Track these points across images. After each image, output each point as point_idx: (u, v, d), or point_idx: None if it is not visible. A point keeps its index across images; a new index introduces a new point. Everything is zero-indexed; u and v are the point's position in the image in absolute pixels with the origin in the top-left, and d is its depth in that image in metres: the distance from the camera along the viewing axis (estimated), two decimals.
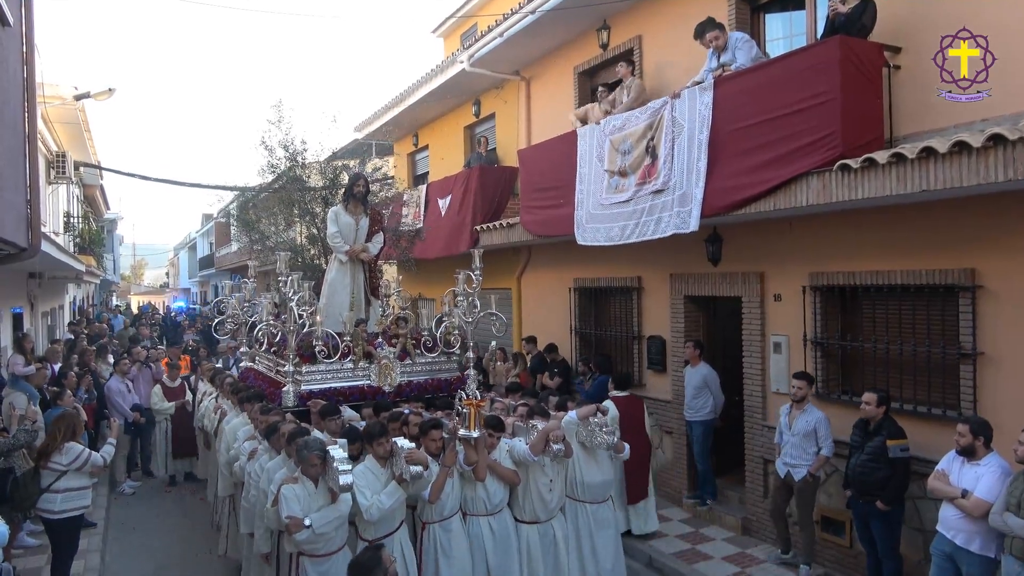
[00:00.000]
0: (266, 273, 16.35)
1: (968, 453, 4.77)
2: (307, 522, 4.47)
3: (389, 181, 13.03)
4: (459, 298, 6.91)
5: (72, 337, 14.20)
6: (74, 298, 21.99)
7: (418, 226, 11.93)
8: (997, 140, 4.42)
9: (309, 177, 11.36)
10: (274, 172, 11.25)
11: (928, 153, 4.82)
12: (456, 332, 7.22)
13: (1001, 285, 5.28)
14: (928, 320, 5.91)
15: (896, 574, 5.63)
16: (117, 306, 33.08)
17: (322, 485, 4.67)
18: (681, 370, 8.17)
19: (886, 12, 5.86)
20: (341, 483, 4.47)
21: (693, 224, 6.69)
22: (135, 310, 34.67)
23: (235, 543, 6.81)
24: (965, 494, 4.66)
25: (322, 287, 7.99)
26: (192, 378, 10.84)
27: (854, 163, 5.31)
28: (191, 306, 39.04)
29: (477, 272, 6.98)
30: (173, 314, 29.94)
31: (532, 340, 10.18)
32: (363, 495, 4.71)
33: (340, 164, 10.02)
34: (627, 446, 6.00)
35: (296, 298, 6.70)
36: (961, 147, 4.62)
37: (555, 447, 5.32)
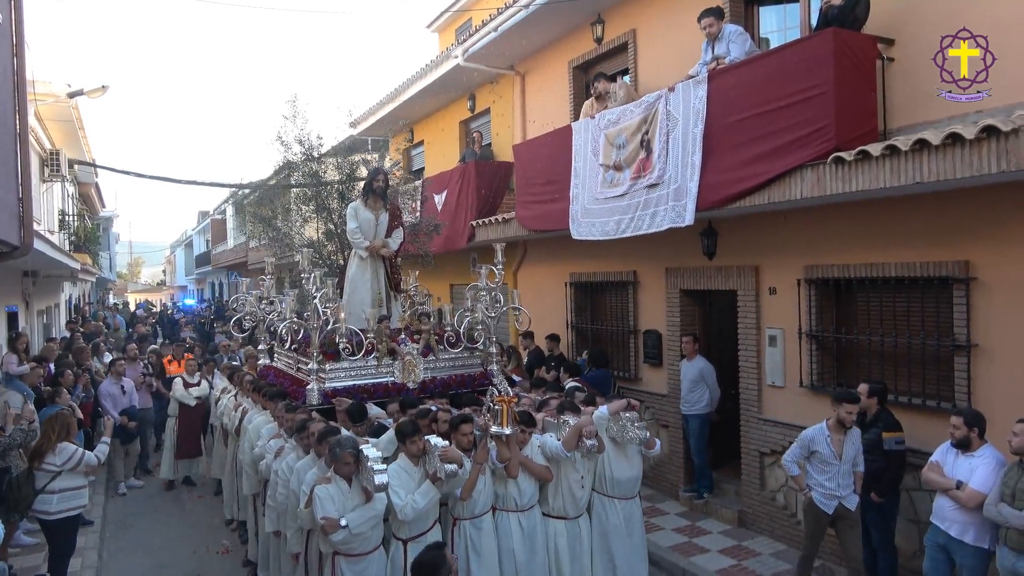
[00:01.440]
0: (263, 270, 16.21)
1: (963, 445, 4.79)
2: (343, 522, 4.44)
3: (407, 176, 12.93)
4: (482, 292, 6.86)
5: (68, 335, 14.15)
6: (70, 296, 21.91)
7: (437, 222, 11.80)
8: (990, 132, 4.43)
9: (325, 172, 11.27)
10: (290, 166, 11.12)
11: (921, 145, 4.82)
12: (480, 327, 7.19)
13: (995, 277, 5.29)
14: (922, 312, 5.92)
15: (891, 565, 5.64)
16: (115, 304, 32.94)
17: (355, 484, 4.62)
18: (677, 364, 8.17)
19: (879, 5, 5.86)
20: (376, 483, 4.41)
21: (688, 218, 6.69)
22: (132, 307, 34.56)
23: (253, 543, 6.77)
24: (960, 485, 4.68)
25: (343, 284, 7.89)
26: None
27: (848, 156, 5.31)
28: (190, 304, 38.81)
29: (499, 267, 6.95)
30: (170, 311, 29.87)
31: (529, 335, 10.13)
32: (397, 494, 4.66)
33: (359, 159, 9.83)
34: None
35: (319, 295, 6.62)
36: (954, 139, 4.63)
37: (588, 442, 5.26)
